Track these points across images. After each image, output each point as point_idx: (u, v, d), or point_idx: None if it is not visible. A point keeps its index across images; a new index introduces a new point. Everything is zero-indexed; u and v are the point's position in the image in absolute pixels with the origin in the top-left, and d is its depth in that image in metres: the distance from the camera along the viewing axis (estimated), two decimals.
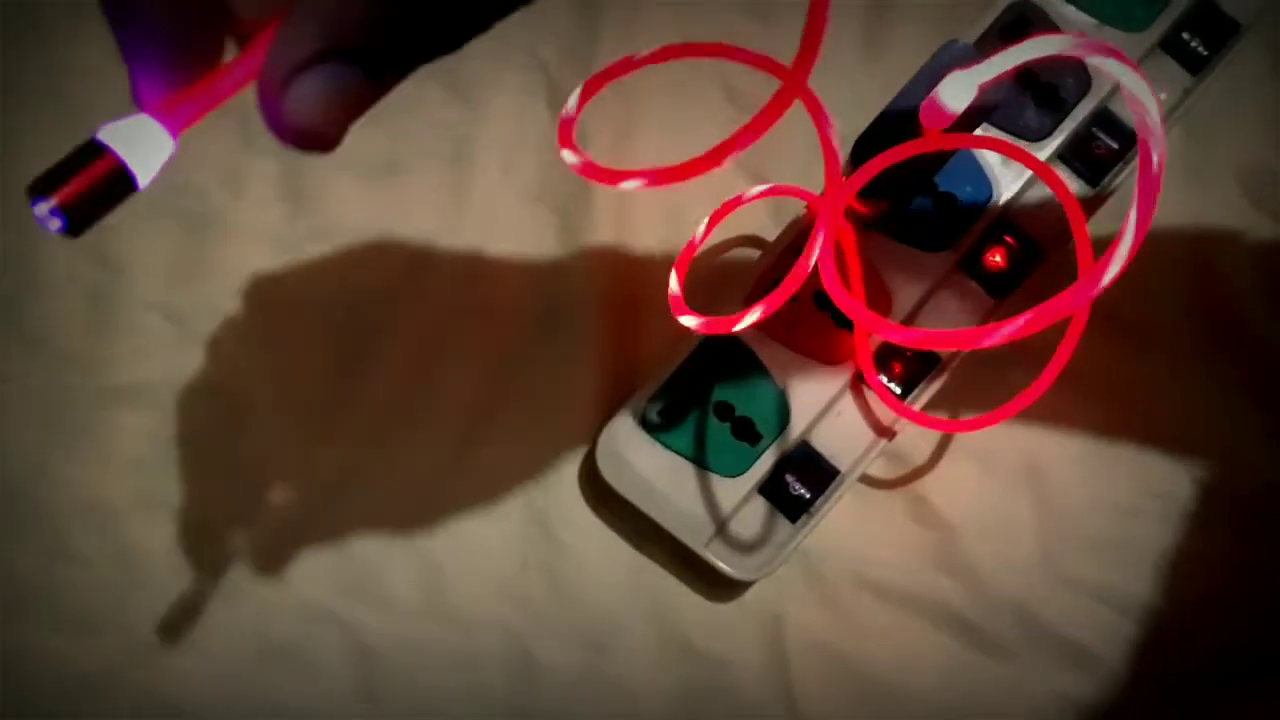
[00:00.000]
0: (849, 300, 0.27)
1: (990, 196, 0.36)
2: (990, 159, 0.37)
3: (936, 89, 0.28)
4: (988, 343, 0.26)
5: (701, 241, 0.32)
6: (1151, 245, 0.38)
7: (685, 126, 0.40)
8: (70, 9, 0.40)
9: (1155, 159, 0.22)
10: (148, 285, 0.39)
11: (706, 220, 0.32)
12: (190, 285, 0.39)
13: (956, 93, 0.27)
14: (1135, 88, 0.21)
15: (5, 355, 0.38)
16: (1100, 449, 0.39)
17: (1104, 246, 0.29)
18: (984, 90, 0.27)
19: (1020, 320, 0.26)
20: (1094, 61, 0.22)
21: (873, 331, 0.35)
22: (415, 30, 0.19)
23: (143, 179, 0.19)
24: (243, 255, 0.39)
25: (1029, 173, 0.36)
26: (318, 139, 0.20)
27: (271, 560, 0.38)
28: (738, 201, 0.32)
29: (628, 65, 0.27)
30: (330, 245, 0.39)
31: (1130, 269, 0.37)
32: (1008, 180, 0.37)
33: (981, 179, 0.36)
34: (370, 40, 0.19)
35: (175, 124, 0.19)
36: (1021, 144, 0.36)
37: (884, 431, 0.36)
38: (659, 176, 0.25)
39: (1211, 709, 0.38)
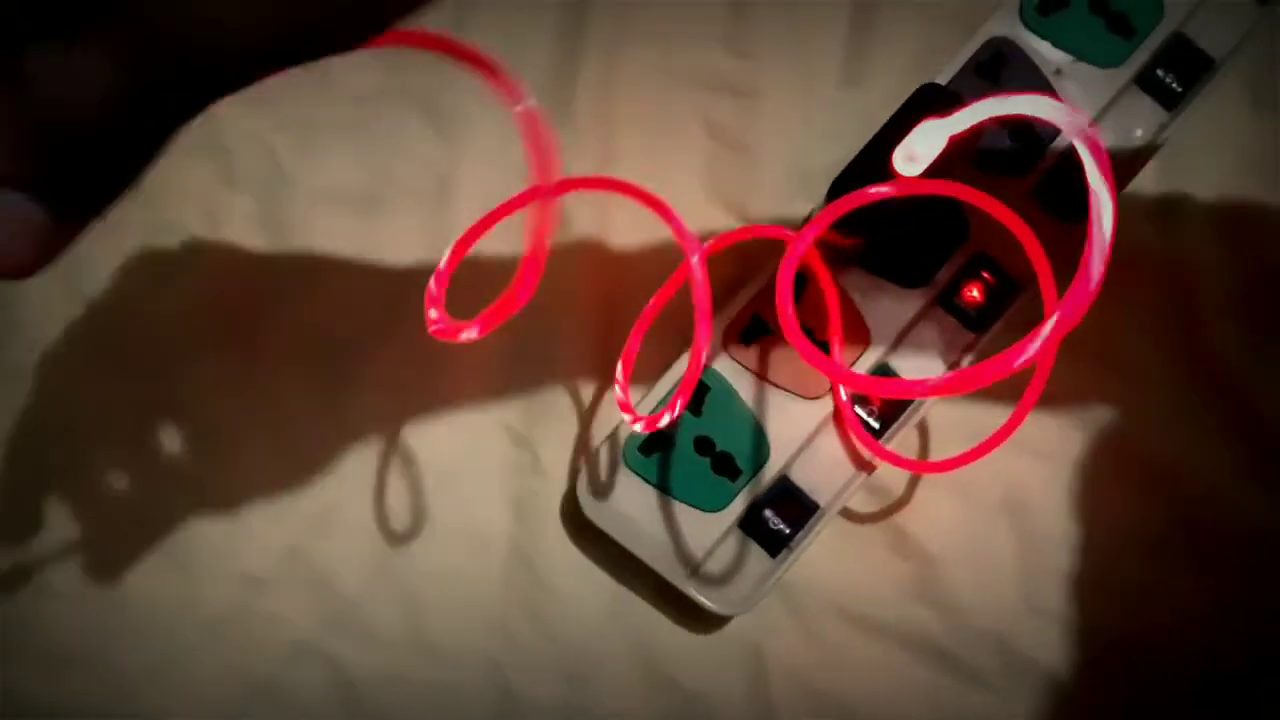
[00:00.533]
0: (808, 346, 0.28)
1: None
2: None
3: (907, 138, 0.28)
4: (938, 394, 0.27)
5: (656, 311, 0.34)
6: (1130, 278, 0.38)
7: (664, 158, 0.40)
8: None
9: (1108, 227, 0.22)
10: (127, 320, 0.39)
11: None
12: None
13: (927, 142, 0.28)
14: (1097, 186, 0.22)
15: None
16: (1078, 481, 0.39)
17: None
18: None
19: (966, 375, 0.27)
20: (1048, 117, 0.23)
21: (830, 377, 0.35)
22: (90, 169, 0.20)
23: None
24: (221, 291, 0.39)
25: None
26: None
27: (254, 595, 0.38)
28: (711, 248, 0.32)
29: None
30: (310, 281, 0.39)
31: (1108, 303, 0.38)
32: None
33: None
34: (38, 175, 0.20)
35: None
36: (997, 180, 0.36)
37: (863, 466, 0.37)
38: (488, 321, 0.27)
39: None
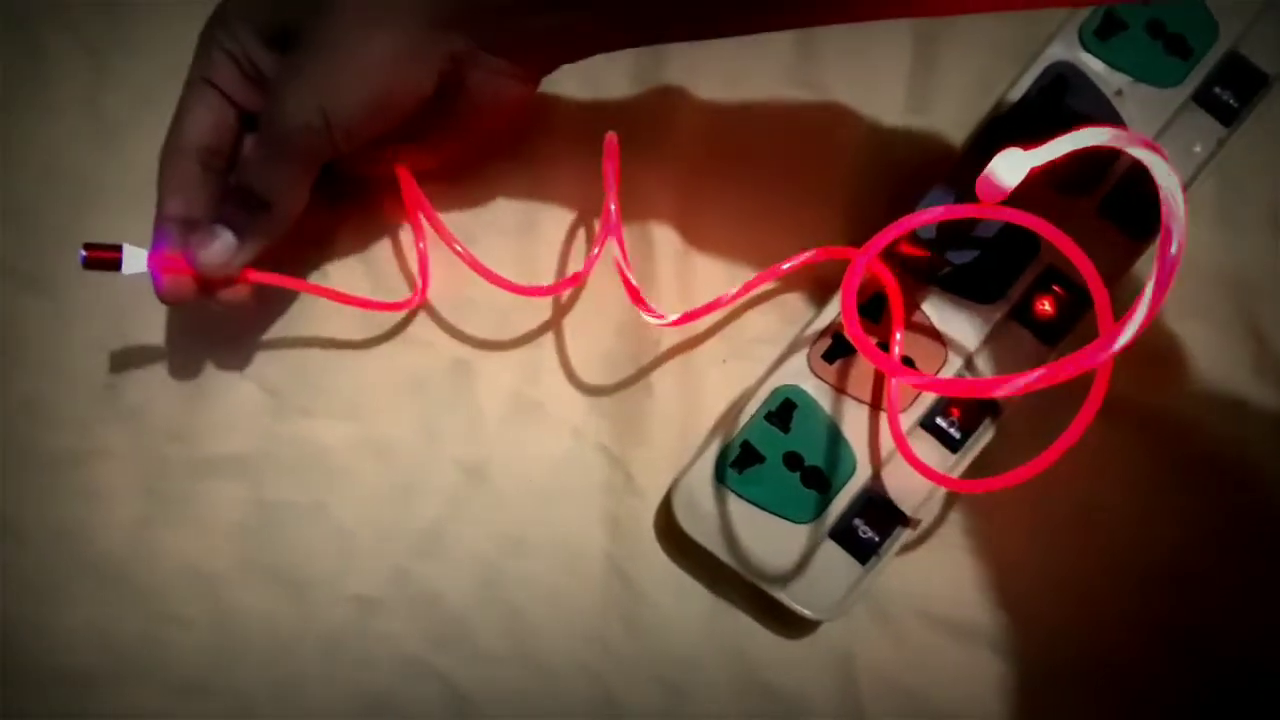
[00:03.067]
0: (867, 343, 0.31)
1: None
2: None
3: (990, 165, 0.30)
4: (997, 394, 0.30)
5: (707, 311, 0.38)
6: (1190, 287, 0.40)
7: (742, 184, 0.42)
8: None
9: (1175, 245, 0.24)
10: (241, 360, 0.41)
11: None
12: (282, 358, 0.41)
13: (1010, 169, 0.29)
14: (1166, 182, 0.23)
15: (107, 432, 0.41)
16: (1147, 479, 0.41)
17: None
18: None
19: (1033, 375, 0.30)
20: (1132, 152, 0.24)
21: (884, 370, 0.37)
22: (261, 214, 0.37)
23: (124, 270, 0.36)
24: (331, 328, 0.42)
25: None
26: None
27: (368, 616, 0.40)
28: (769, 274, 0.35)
29: None
30: (411, 314, 0.42)
31: (1172, 305, 0.39)
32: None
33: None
34: (236, 220, 0.37)
35: (154, 266, 0.36)
36: (1066, 197, 0.38)
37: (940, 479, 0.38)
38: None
39: None
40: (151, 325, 0.41)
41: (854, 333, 0.33)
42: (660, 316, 0.38)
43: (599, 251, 0.38)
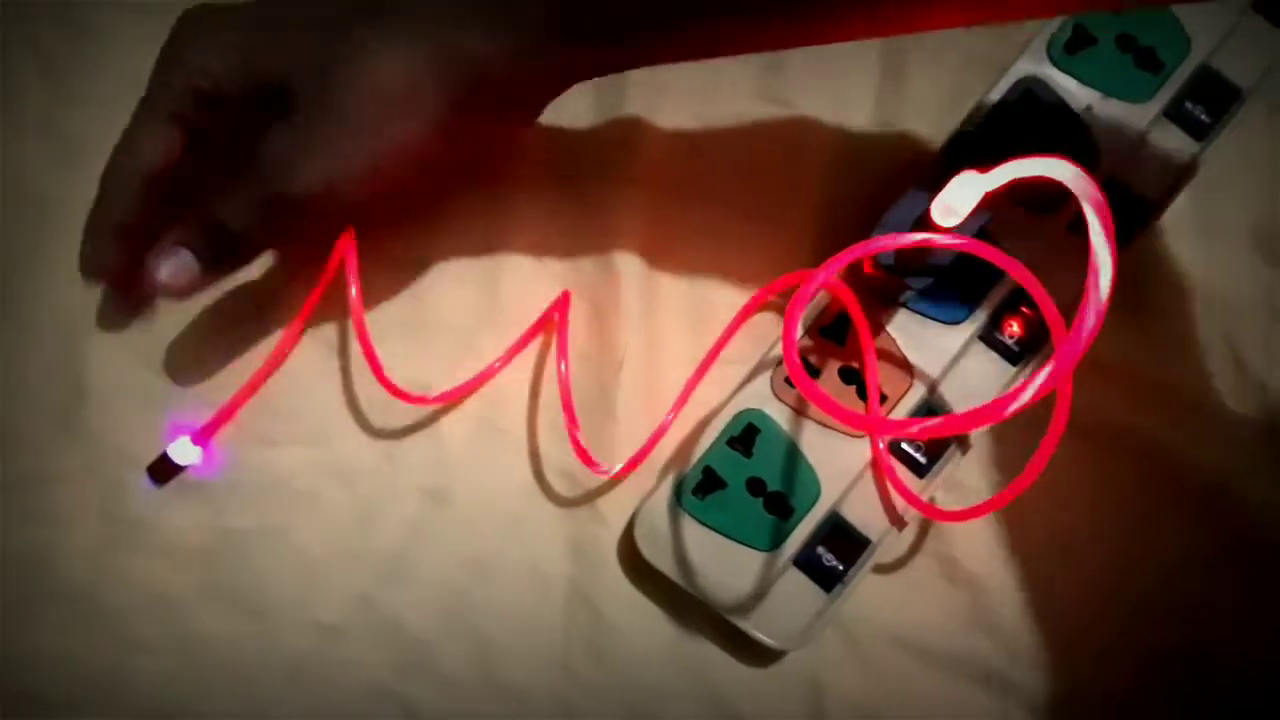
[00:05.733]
0: (813, 388, 0.30)
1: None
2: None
3: (943, 191, 0.29)
4: (923, 435, 0.30)
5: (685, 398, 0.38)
6: (1171, 306, 0.39)
7: (706, 207, 0.42)
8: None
9: (1089, 322, 0.23)
10: (200, 384, 0.41)
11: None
12: (241, 382, 0.41)
13: (962, 195, 0.29)
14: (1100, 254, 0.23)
15: (65, 456, 0.40)
16: (1128, 503, 0.40)
17: None
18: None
19: (932, 421, 0.31)
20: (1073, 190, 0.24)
21: (833, 416, 0.36)
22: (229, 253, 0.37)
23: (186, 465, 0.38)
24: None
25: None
26: None
27: (331, 643, 0.40)
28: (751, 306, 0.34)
29: None
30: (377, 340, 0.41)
31: (1153, 328, 0.38)
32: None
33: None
34: (200, 248, 0.36)
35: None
36: (1035, 217, 0.37)
37: (905, 512, 0.38)
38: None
39: None
40: (108, 349, 0.41)
41: (794, 371, 0.32)
42: (604, 473, 0.39)
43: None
